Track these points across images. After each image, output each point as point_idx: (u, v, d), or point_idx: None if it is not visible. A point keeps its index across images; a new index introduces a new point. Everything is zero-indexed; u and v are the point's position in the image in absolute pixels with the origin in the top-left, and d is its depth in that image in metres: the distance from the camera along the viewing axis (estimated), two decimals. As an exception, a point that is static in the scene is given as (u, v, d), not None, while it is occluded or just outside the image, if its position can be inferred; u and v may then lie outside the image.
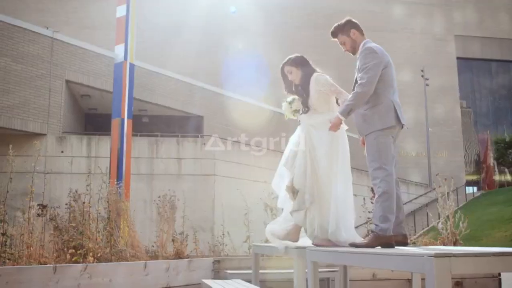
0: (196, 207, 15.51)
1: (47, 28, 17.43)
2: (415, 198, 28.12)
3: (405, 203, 27.02)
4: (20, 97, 15.69)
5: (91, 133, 18.54)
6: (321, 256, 3.55)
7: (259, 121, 20.33)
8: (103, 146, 15.81)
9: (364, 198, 7.25)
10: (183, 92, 21.23)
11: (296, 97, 4.79)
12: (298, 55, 4.88)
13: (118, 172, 9.60)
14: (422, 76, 32.56)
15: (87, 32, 29.08)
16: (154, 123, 22.19)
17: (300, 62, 4.81)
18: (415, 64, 35.14)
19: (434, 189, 7.65)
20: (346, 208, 4.33)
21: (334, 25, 4.51)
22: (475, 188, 36.87)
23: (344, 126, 4.67)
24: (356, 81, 4.29)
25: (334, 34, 4.51)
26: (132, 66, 10.23)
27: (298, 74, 4.78)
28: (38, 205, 6.63)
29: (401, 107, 4.32)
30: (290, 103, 4.79)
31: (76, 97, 19.22)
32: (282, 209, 4.78)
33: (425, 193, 28.95)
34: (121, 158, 9.70)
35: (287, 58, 4.87)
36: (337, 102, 4.76)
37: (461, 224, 7.37)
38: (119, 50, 10.22)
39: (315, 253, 3.62)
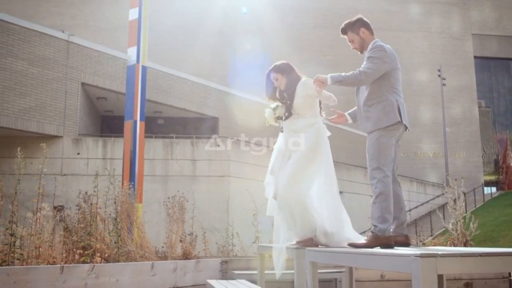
0: (210, 209, 15.60)
1: (63, 32, 17.65)
2: (432, 199, 27.92)
3: (422, 204, 26.92)
4: (37, 100, 15.90)
5: (106, 135, 18.72)
6: (318, 256, 3.58)
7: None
8: (119, 148, 15.97)
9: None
10: (198, 94, 21.34)
11: (280, 104, 4.84)
12: (284, 61, 4.93)
13: (131, 173, 9.71)
14: (439, 75, 32.31)
15: (105, 35, 29.42)
16: (169, 125, 22.33)
17: (286, 69, 4.85)
18: (432, 63, 34.93)
19: (446, 192, 7.58)
20: (334, 210, 4.39)
21: (345, 22, 4.53)
22: (494, 189, 36.51)
23: (326, 132, 4.74)
24: None
25: (344, 31, 4.53)
26: (144, 68, 10.32)
27: (284, 80, 4.81)
28: (55, 207, 6.76)
29: (405, 108, 4.32)
30: (274, 109, 4.83)
31: (92, 100, 19.42)
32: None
33: (442, 194, 28.72)
34: (133, 160, 9.80)
35: (273, 65, 4.92)
36: (320, 112, 4.83)
37: (471, 225, 7.34)
38: (132, 52, 10.33)
39: (313, 253, 3.65)
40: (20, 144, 10.31)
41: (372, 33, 4.44)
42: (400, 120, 4.18)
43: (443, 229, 21.77)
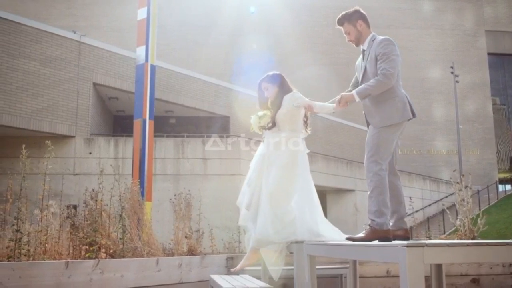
0: (222, 207, 15.65)
1: (74, 32, 17.82)
2: (446, 197, 27.75)
3: (435, 202, 26.76)
4: (49, 100, 16.08)
5: (118, 134, 18.87)
6: (315, 249, 3.61)
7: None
8: (130, 147, 16.08)
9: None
10: (209, 93, 21.42)
11: (268, 113, 4.85)
12: (276, 72, 4.93)
13: (140, 172, 9.80)
14: (452, 72, 32.09)
15: (116, 35, 29.64)
16: (181, 124, 22.45)
17: (277, 80, 4.85)
18: (445, 60, 34.72)
19: (463, 188, 7.53)
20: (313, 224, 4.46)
21: (342, 13, 4.45)
22: (509, 186, 36.19)
23: (306, 149, 4.78)
24: (365, 70, 4.25)
25: (340, 22, 4.44)
26: (153, 67, 10.39)
27: (274, 91, 4.83)
28: (67, 206, 6.85)
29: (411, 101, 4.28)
30: (260, 117, 4.85)
31: (104, 99, 19.58)
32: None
33: (460, 190, 28.51)
34: (143, 159, 9.89)
35: (265, 75, 4.93)
36: (306, 129, 4.87)
37: (479, 221, 7.31)
38: (140, 52, 10.42)
39: (310, 247, 3.67)
40: (33, 144, 10.45)
41: (369, 26, 4.37)
42: (411, 117, 4.13)
43: (455, 227, 21.68)
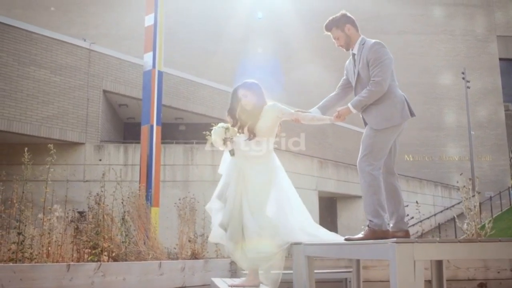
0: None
1: (84, 40, 17.94)
2: (458, 203, 27.51)
3: (446, 208, 26.55)
4: (59, 107, 16.19)
5: (128, 141, 18.92)
6: (312, 250, 3.59)
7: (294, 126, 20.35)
8: (139, 154, 16.16)
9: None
10: (218, 100, 21.42)
11: (229, 125, 4.62)
12: (255, 81, 4.73)
13: (148, 178, 9.84)
14: (463, 78, 31.89)
15: (126, 43, 29.79)
16: (191, 131, 22.46)
17: (256, 89, 4.65)
18: (456, 66, 34.51)
19: (471, 196, 7.48)
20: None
21: (329, 18, 4.39)
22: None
23: (280, 166, 4.67)
24: (359, 75, 4.22)
25: (328, 27, 4.40)
26: (160, 73, 10.46)
27: (253, 100, 4.59)
28: (78, 212, 6.90)
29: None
30: (226, 129, 4.57)
31: (114, 107, 19.67)
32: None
33: (468, 198, 28.25)
34: (150, 164, 9.93)
35: (243, 82, 4.71)
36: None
37: (486, 225, 7.25)
38: (148, 58, 10.49)
39: (308, 247, 3.66)
40: (44, 151, 10.47)
41: (357, 30, 4.32)
42: (410, 117, 4.11)
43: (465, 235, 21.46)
